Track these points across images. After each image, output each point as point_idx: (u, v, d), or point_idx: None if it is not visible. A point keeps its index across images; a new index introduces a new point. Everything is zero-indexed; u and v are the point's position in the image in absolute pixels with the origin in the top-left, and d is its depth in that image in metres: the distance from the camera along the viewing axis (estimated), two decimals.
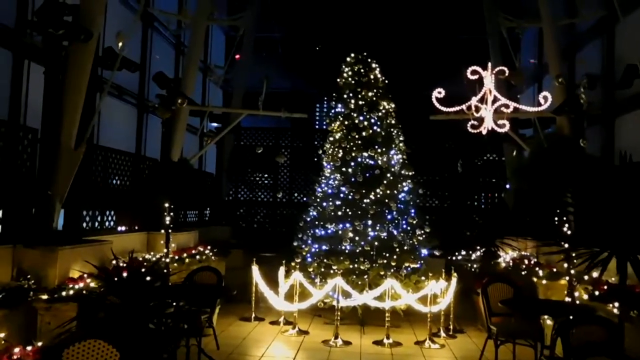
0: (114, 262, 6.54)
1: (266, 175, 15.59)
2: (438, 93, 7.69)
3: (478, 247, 12.13)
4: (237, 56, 14.28)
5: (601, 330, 5.01)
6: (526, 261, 10.43)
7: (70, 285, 5.95)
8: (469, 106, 7.60)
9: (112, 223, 9.12)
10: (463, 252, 13.36)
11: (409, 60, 15.38)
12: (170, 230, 8.76)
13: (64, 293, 5.78)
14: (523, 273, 9.51)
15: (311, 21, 16.04)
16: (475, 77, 7.58)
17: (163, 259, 8.76)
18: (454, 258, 12.84)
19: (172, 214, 8.88)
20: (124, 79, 10.11)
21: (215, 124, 13.78)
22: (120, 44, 7.45)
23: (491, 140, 14.27)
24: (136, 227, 9.73)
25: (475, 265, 11.86)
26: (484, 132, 7.69)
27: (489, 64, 7.60)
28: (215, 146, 14.84)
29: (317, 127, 16.63)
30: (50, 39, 6.48)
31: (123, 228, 9.62)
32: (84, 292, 5.84)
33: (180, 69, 12.58)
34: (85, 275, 6.13)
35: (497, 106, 7.56)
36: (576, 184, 6.52)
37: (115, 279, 5.03)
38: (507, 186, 13.85)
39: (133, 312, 4.82)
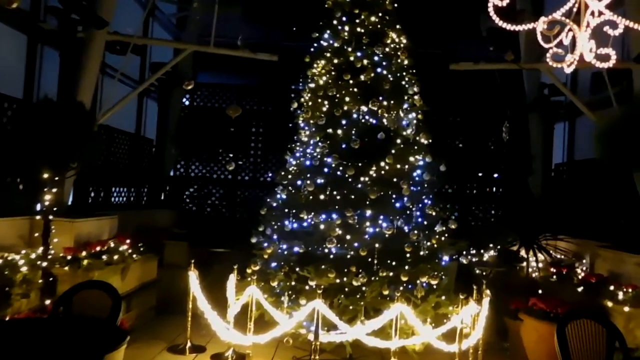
0: None
1: (223, 143, 12.09)
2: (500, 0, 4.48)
3: (491, 246, 9.67)
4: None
5: None
6: (579, 271, 7.56)
7: None
8: (550, 22, 4.43)
9: None
10: (472, 251, 10.72)
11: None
12: (51, 216, 5.50)
13: None
14: (579, 290, 6.78)
15: None
16: None
17: (40, 262, 5.53)
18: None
19: (54, 189, 5.60)
20: None
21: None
22: None
23: (513, 111, 11.31)
24: None
25: (489, 270, 9.21)
26: (569, 69, 4.54)
27: None
28: (157, 105, 11.40)
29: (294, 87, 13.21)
30: None
31: None
32: None
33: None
34: None
35: (599, 24, 4.41)
36: None
37: None
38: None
39: None
